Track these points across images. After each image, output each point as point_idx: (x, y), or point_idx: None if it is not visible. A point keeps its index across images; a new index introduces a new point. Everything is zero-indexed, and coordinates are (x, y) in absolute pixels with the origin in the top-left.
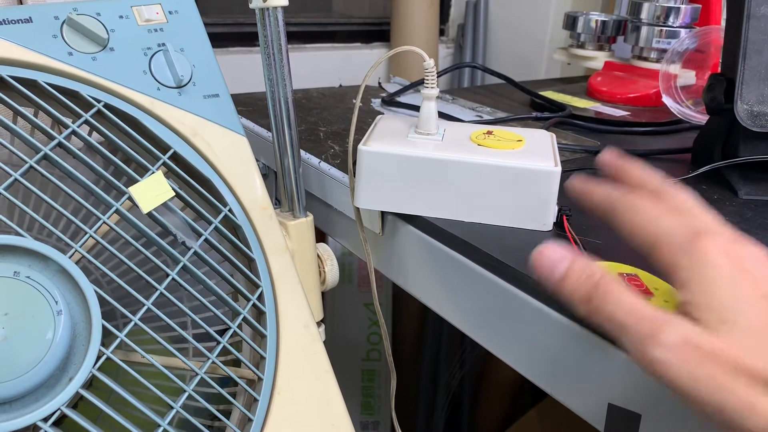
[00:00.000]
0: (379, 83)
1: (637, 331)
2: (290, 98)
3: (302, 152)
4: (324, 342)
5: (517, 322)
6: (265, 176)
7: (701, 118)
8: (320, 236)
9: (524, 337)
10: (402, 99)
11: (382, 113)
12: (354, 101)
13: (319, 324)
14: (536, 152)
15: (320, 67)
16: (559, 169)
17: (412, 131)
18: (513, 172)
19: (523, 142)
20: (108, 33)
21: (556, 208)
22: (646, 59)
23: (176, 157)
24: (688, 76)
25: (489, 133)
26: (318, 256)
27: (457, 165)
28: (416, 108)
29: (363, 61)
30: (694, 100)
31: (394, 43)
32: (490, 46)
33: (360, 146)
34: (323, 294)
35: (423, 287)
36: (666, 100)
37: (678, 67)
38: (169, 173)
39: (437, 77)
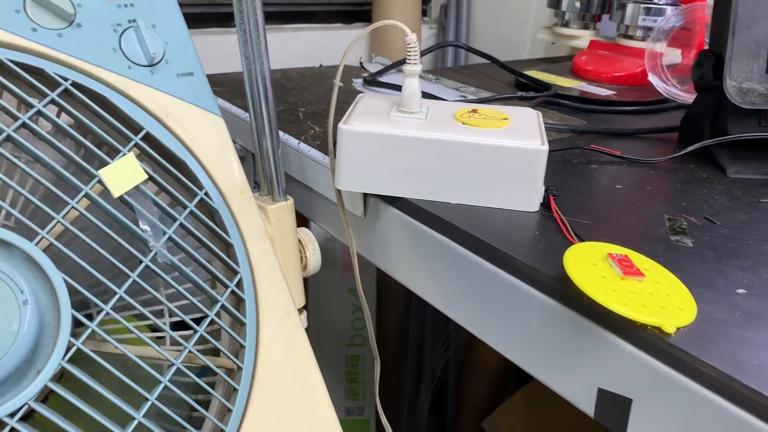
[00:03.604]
0: (361, 63)
1: None
2: (267, 75)
3: (281, 133)
4: (307, 328)
5: (503, 305)
6: (242, 159)
7: (687, 97)
8: (303, 221)
9: (510, 321)
10: (384, 79)
11: (364, 93)
12: (334, 81)
13: (300, 311)
14: (522, 131)
15: (300, 48)
16: (546, 147)
17: (395, 110)
18: (498, 151)
19: (508, 120)
20: (75, 8)
21: (543, 188)
22: (631, 38)
23: (149, 139)
24: (673, 55)
25: (474, 111)
26: (299, 240)
27: (440, 144)
28: (399, 88)
29: (344, 42)
30: (679, 78)
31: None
32: (473, 27)
33: (340, 125)
34: (306, 280)
35: (406, 271)
36: (652, 78)
37: (664, 45)
38: (142, 155)
39: (420, 56)
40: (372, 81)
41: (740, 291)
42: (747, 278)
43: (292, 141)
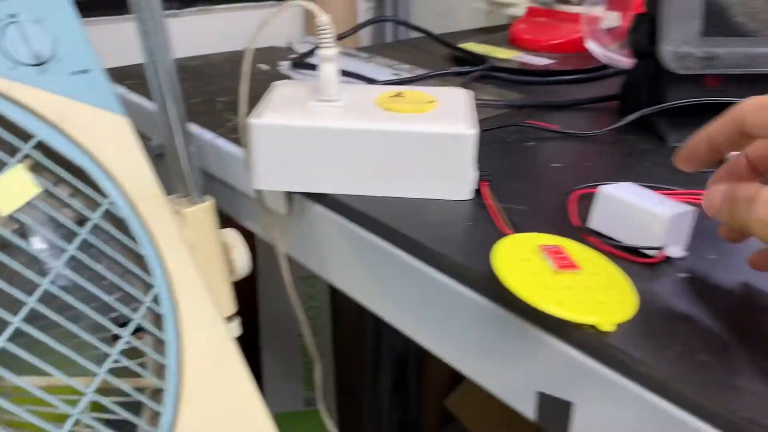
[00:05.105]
0: (289, 44)
1: None
2: (171, 67)
3: (196, 127)
4: (258, 322)
5: (437, 305)
6: (161, 157)
7: (628, 62)
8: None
9: (446, 322)
10: (314, 60)
11: (291, 77)
12: (258, 65)
13: (231, 318)
14: (449, 114)
15: (231, 30)
16: (473, 131)
17: (312, 98)
18: (422, 138)
19: (435, 103)
20: None
21: (476, 175)
22: (568, 2)
23: (44, 147)
24: (612, 18)
25: (398, 95)
26: (224, 243)
27: (359, 134)
28: None
29: (279, 22)
30: (619, 43)
31: None
32: None
33: (250, 119)
34: (254, 273)
35: (337, 271)
36: (590, 44)
37: (602, 8)
38: (37, 166)
39: (350, 34)
40: (300, 63)
41: (681, 275)
42: (688, 260)
43: (207, 135)
